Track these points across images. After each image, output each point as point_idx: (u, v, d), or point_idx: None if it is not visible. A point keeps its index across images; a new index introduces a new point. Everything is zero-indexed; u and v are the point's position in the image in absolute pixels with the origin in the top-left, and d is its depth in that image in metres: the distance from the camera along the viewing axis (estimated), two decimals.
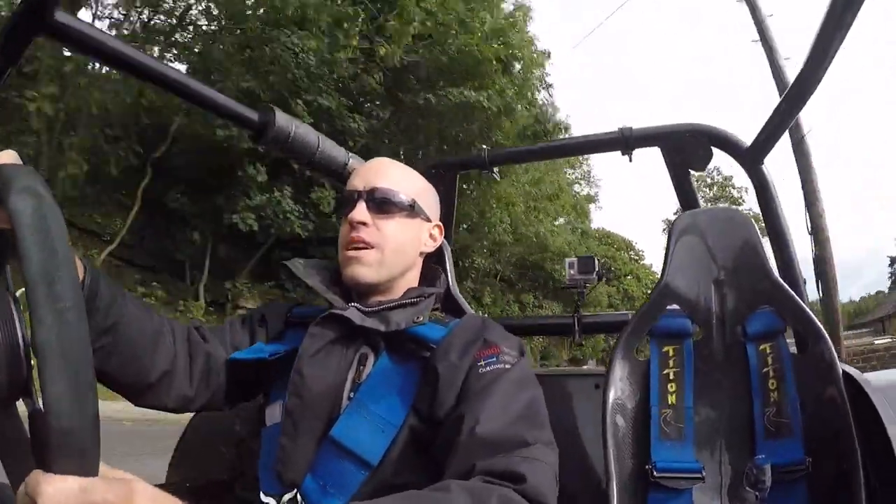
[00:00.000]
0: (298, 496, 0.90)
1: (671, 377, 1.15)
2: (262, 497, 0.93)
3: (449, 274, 1.32)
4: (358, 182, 1.08)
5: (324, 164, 1.46)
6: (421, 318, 1.00)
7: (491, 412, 0.85)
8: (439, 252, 1.24)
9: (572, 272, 1.58)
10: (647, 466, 1.08)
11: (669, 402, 1.13)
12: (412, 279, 1.12)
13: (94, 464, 0.50)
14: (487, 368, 0.92)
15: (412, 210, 1.08)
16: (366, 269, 1.03)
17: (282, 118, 1.33)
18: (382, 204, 1.05)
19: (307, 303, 1.19)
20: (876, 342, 13.43)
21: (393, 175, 1.09)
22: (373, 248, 1.03)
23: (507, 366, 0.92)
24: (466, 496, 0.72)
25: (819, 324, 1.14)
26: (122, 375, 0.92)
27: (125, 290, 0.94)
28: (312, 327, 1.01)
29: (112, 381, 0.92)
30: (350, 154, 1.52)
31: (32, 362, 0.57)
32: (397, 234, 1.06)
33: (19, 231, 0.52)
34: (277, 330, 1.12)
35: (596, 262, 1.59)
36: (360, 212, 1.03)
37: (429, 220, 1.13)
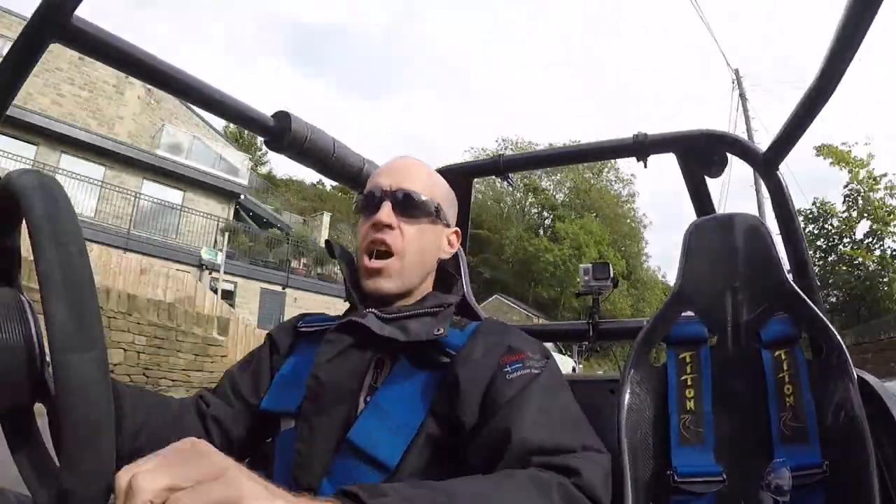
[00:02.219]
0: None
1: (689, 383, 1.14)
2: None
3: (464, 279, 1.33)
4: (383, 180, 1.05)
5: (340, 168, 1.47)
6: (441, 331, 0.97)
7: (536, 421, 0.83)
8: (454, 258, 1.24)
9: (587, 278, 1.58)
10: (667, 472, 1.08)
11: (688, 407, 1.13)
12: (428, 285, 1.12)
13: (104, 405, 0.51)
14: (515, 374, 0.90)
15: (436, 215, 1.07)
16: (387, 282, 1.02)
17: (298, 123, 1.33)
18: (408, 207, 1.03)
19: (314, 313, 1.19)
20: None
21: (420, 177, 1.07)
22: (394, 255, 1.02)
23: (536, 370, 0.91)
24: (528, 482, 0.72)
25: (834, 330, 1.14)
26: None
27: (138, 386, 0.97)
28: (330, 333, 1.01)
29: None
30: (366, 159, 1.53)
31: (48, 359, 0.58)
32: (420, 240, 1.04)
33: (24, 197, 0.54)
34: (287, 344, 1.11)
35: (610, 268, 1.59)
36: (386, 213, 1.01)
37: (448, 225, 1.12)
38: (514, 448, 0.81)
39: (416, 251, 1.04)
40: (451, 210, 1.13)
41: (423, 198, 1.05)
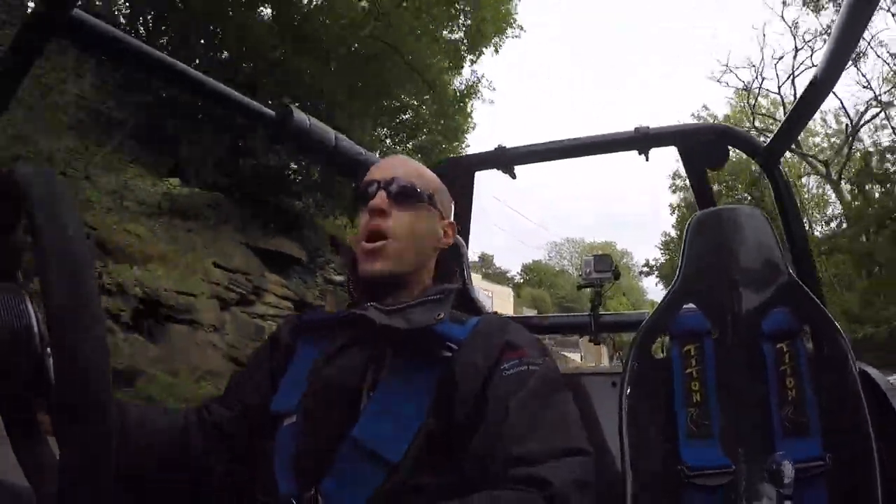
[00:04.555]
0: (317, 496, 0.89)
1: (694, 376, 1.15)
2: (280, 497, 0.92)
3: (465, 272, 1.33)
4: (377, 174, 1.09)
5: (341, 160, 1.48)
6: (442, 315, 0.99)
7: (521, 428, 0.85)
8: (455, 251, 1.24)
9: (588, 270, 1.58)
10: (678, 466, 1.08)
11: (695, 400, 1.13)
12: (427, 276, 1.12)
13: (103, 384, 0.51)
14: (512, 371, 0.91)
15: (429, 203, 1.09)
16: (383, 262, 1.03)
17: (299, 115, 1.34)
18: (401, 194, 1.06)
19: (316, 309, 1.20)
20: None
21: (410, 169, 1.11)
22: (390, 238, 1.03)
23: (533, 367, 0.92)
24: (487, 502, 0.74)
25: (835, 322, 1.14)
26: (175, 479, 0.99)
27: (140, 405, 1.02)
28: (332, 328, 1.02)
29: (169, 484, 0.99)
30: (365, 151, 1.54)
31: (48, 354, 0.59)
32: (415, 225, 1.06)
33: (23, 184, 0.55)
34: (288, 343, 1.11)
35: (612, 260, 1.59)
36: (380, 199, 1.04)
37: (443, 217, 1.14)
38: (496, 458, 0.83)
39: (410, 234, 1.05)
40: (444, 201, 1.16)
41: (415, 186, 1.08)
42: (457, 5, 13.15)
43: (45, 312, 0.50)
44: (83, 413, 0.49)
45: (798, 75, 21.47)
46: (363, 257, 1.04)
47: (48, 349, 0.58)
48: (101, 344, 0.51)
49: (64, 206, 0.54)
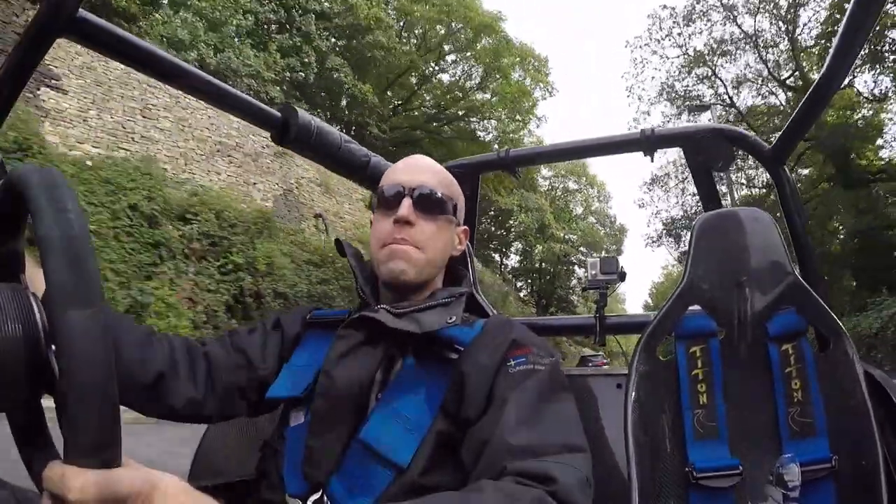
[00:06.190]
0: (325, 497, 0.89)
1: (700, 377, 1.14)
2: (288, 498, 0.92)
3: (472, 275, 1.32)
4: (402, 177, 1.06)
5: (346, 163, 1.47)
6: (454, 319, 0.98)
7: (522, 418, 0.84)
8: (463, 253, 1.24)
9: (594, 272, 1.58)
10: (685, 468, 1.08)
11: (701, 402, 1.12)
12: (438, 280, 1.12)
13: (104, 359, 0.50)
14: (517, 368, 0.91)
15: (452, 213, 1.08)
16: (409, 266, 1.01)
17: (304, 117, 1.32)
18: (428, 204, 1.04)
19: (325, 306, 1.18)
20: None
21: (437, 175, 1.09)
22: (418, 248, 1.02)
23: (539, 367, 0.91)
24: (500, 496, 0.72)
25: (840, 324, 1.14)
26: (158, 399, 0.97)
27: (125, 316, 1.00)
28: (342, 329, 1.01)
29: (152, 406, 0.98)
30: (371, 153, 1.53)
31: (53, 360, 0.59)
32: (439, 238, 1.05)
33: (24, 178, 0.55)
34: (295, 333, 1.11)
35: (618, 262, 1.59)
36: (407, 210, 1.02)
37: (459, 224, 1.13)
38: (495, 448, 0.81)
39: (434, 248, 1.04)
40: (461, 208, 1.14)
41: (442, 196, 1.06)
42: None
43: (46, 291, 0.50)
44: (86, 393, 0.49)
45: None
46: (387, 258, 1.02)
47: (53, 347, 0.58)
48: (101, 320, 0.51)
49: (63, 189, 0.54)
